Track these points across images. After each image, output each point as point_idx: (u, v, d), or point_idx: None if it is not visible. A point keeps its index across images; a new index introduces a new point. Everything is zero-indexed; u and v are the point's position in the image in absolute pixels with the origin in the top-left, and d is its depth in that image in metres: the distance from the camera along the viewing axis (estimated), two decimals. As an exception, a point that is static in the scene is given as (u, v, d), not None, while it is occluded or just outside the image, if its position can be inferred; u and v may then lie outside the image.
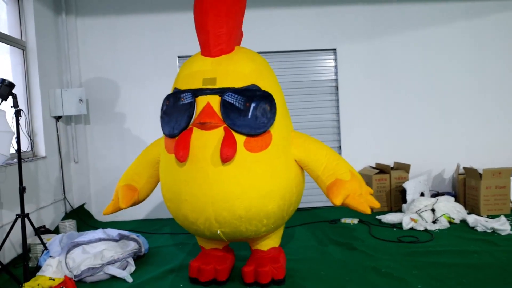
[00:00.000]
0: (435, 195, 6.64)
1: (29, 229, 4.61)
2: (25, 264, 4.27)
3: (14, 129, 4.32)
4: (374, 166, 7.15)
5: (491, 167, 6.23)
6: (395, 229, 5.72)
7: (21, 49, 5.89)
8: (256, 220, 3.63)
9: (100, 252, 4.48)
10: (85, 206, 6.96)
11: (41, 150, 6.09)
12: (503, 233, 5.23)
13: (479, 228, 5.43)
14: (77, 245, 4.54)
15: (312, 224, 6.16)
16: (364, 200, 3.86)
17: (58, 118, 6.50)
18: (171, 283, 4.20)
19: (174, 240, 5.69)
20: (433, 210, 5.89)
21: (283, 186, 3.74)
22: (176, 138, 3.63)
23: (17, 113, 4.42)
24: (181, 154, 3.50)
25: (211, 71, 3.74)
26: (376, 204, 3.98)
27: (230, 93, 3.59)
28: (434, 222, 5.75)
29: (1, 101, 4.29)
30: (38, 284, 3.94)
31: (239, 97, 3.59)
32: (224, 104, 3.57)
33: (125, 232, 4.93)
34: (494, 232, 5.31)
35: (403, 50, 7.14)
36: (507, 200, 6.17)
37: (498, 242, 4.94)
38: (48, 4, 6.46)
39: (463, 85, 7.19)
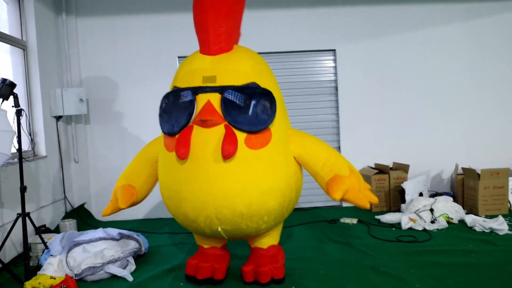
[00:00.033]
0: (433, 195, 6.66)
1: (29, 228, 4.63)
2: (26, 263, 4.31)
3: (15, 128, 4.34)
4: (373, 166, 7.18)
5: (489, 168, 6.25)
6: (394, 229, 5.75)
7: (22, 49, 5.91)
8: (257, 217, 3.64)
9: (100, 251, 4.49)
10: (85, 206, 6.98)
11: (42, 150, 6.11)
12: (501, 233, 5.25)
13: (477, 228, 5.46)
14: (77, 244, 4.56)
15: (311, 224, 6.19)
16: (362, 195, 3.90)
17: (58, 118, 6.52)
18: (171, 282, 4.21)
19: (174, 239, 5.71)
20: (431, 210, 5.91)
21: (283, 182, 3.76)
22: (176, 136, 3.64)
23: (18, 113, 4.44)
24: (182, 151, 3.51)
25: (210, 69, 3.76)
26: (375, 199, 4.01)
27: (231, 91, 3.62)
28: (432, 222, 5.77)
29: (2, 101, 4.32)
30: (40, 283, 3.97)
31: (239, 94, 3.61)
32: (225, 102, 3.59)
33: (126, 232, 4.94)
34: (492, 232, 5.33)
35: (402, 51, 7.17)
36: (505, 200, 6.20)
37: (496, 241, 4.97)
38: (49, 4, 6.48)
39: (462, 86, 7.21)
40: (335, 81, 7.21)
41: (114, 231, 4.89)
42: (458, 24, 7.17)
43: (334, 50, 7.18)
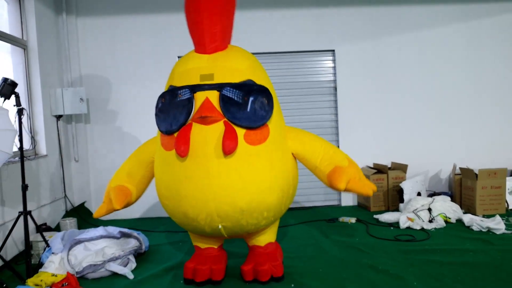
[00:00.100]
0: (431, 194, 6.69)
1: (30, 226, 4.65)
2: (28, 261, 4.33)
3: (16, 127, 4.37)
4: (372, 166, 7.21)
5: (487, 168, 6.29)
6: (392, 228, 5.78)
7: (22, 48, 5.94)
8: (257, 212, 3.67)
9: (101, 249, 4.53)
10: (85, 205, 7.02)
11: (42, 149, 6.14)
12: (498, 232, 5.28)
13: (475, 228, 5.49)
14: (78, 242, 4.59)
15: (310, 223, 6.22)
16: (364, 184, 3.94)
17: (58, 117, 6.56)
18: (171, 280, 4.24)
19: (173, 238, 5.75)
20: (429, 210, 5.93)
21: (282, 178, 3.80)
22: (175, 134, 3.65)
23: (20, 112, 4.47)
24: (182, 149, 3.51)
25: (207, 67, 3.78)
26: (374, 188, 4.03)
27: (229, 88, 3.64)
28: (430, 221, 5.80)
29: (4, 100, 4.34)
30: (41, 280, 4.00)
31: (237, 91, 3.64)
32: (223, 99, 3.62)
33: (126, 230, 4.97)
34: (489, 231, 5.37)
35: (401, 51, 7.21)
36: (502, 200, 6.23)
37: (493, 241, 5.00)
38: (49, 4, 6.51)
39: (460, 86, 7.25)
40: (334, 81, 7.25)
41: (114, 230, 4.91)
42: (456, 25, 7.21)
43: (333, 50, 7.22)
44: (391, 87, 7.22)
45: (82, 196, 7.03)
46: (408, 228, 5.69)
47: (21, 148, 4.48)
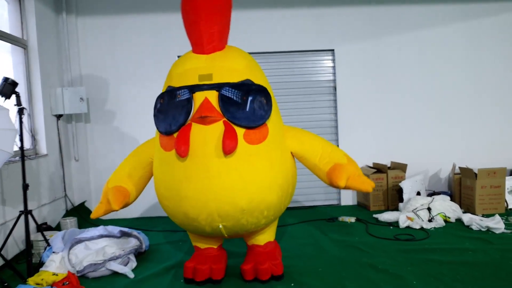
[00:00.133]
0: (431, 194, 6.72)
1: (31, 225, 4.66)
2: (29, 260, 4.34)
3: (17, 127, 4.38)
4: (371, 165, 7.22)
5: (486, 167, 6.30)
6: (391, 227, 5.80)
7: (23, 48, 5.94)
8: (257, 211, 3.68)
9: (102, 248, 4.54)
10: (85, 204, 7.03)
11: (43, 148, 6.15)
12: (497, 232, 5.30)
13: (474, 227, 5.51)
14: (79, 241, 4.60)
15: (310, 222, 6.24)
16: (362, 180, 3.95)
17: (59, 117, 6.57)
18: (171, 280, 4.25)
19: (173, 237, 5.76)
20: (429, 209, 5.95)
21: (281, 177, 3.81)
22: (175, 134, 3.65)
23: (20, 111, 4.48)
24: (183, 149, 3.51)
25: (206, 68, 3.79)
26: (373, 184, 4.03)
27: (228, 88, 3.66)
28: (430, 220, 5.82)
29: (5, 100, 4.35)
30: (42, 279, 4.01)
31: (236, 91, 3.65)
32: (223, 99, 3.63)
33: (126, 229, 4.98)
34: (488, 230, 5.38)
35: (401, 51, 7.22)
36: (501, 199, 6.25)
37: (492, 240, 5.02)
38: (49, 4, 6.52)
39: (460, 86, 7.27)
40: (334, 81, 7.26)
41: (115, 229, 4.92)
42: (456, 25, 7.22)
43: (333, 50, 7.23)
44: (390, 87, 7.23)
45: (82, 196, 7.04)
46: (408, 227, 5.70)
47: (21, 147, 4.49)
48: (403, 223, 5.73)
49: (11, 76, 5.71)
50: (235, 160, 3.54)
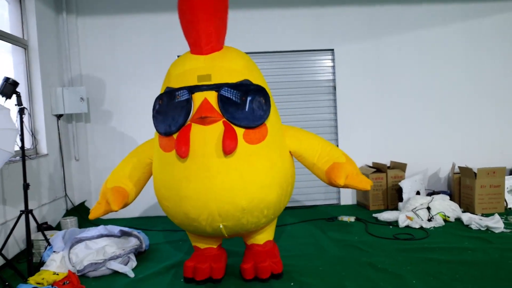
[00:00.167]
0: (430, 193, 6.73)
1: (32, 225, 4.67)
2: (29, 259, 4.36)
3: (18, 126, 4.38)
4: (371, 165, 7.23)
5: (486, 167, 6.32)
6: (391, 227, 5.81)
7: (23, 48, 5.96)
8: (258, 211, 3.69)
9: (102, 248, 4.56)
10: (86, 204, 7.04)
11: (43, 148, 6.16)
12: (497, 231, 5.31)
13: (473, 226, 5.52)
14: (79, 241, 4.62)
15: (309, 222, 6.25)
16: (361, 179, 3.97)
17: (59, 116, 6.58)
18: (172, 279, 4.27)
19: (173, 237, 5.77)
20: (428, 209, 5.96)
21: (280, 176, 3.83)
22: (174, 135, 3.66)
23: (21, 111, 4.49)
24: (183, 150, 3.52)
25: (204, 68, 3.79)
26: (371, 182, 4.06)
27: (227, 88, 3.67)
28: (429, 220, 5.83)
29: (6, 100, 4.37)
30: (43, 279, 4.02)
31: (235, 91, 3.67)
32: (222, 99, 3.64)
33: (126, 229, 5.00)
34: (488, 230, 5.40)
35: (400, 51, 7.23)
36: (501, 199, 6.26)
37: (491, 239, 5.03)
38: (49, 4, 6.53)
39: (459, 86, 7.28)
40: (333, 80, 7.27)
41: (115, 228, 4.93)
42: (455, 24, 7.23)
43: (332, 49, 7.24)
44: (390, 87, 7.24)
45: (82, 195, 7.06)
46: (407, 226, 5.71)
47: (22, 147, 4.50)
48: (402, 223, 5.75)
49: (12, 76, 5.72)
50: (235, 160, 3.55)
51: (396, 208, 6.58)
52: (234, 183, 3.55)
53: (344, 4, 7.14)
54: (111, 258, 4.49)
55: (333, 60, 7.26)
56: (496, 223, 5.39)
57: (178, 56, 6.83)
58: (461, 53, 7.27)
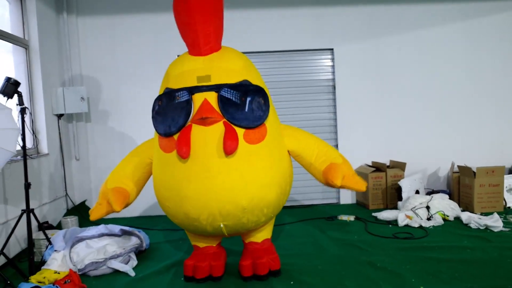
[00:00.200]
0: (430, 193, 6.76)
1: (32, 224, 4.67)
2: (31, 258, 4.38)
3: (19, 126, 4.40)
4: (370, 164, 7.25)
5: (485, 166, 6.34)
6: (390, 226, 5.83)
7: (24, 48, 5.97)
8: (258, 210, 3.71)
9: (103, 246, 4.57)
10: (86, 203, 7.06)
11: (44, 148, 6.18)
12: (496, 230, 5.33)
13: (473, 225, 5.54)
14: (80, 240, 4.64)
15: (309, 221, 6.27)
16: (357, 180, 4.02)
17: (60, 116, 6.60)
18: (172, 278, 4.29)
19: (173, 236, 5.79)
20: (427, 208, 5.98)
21: (279, 175, 3.86)
22: (175, 136, 3.67)
23: (23, 111, 4.51)
24: (184, 150, 3.54)
25: (203, 69, 3.81)
26: (366, 183, 4.11)
27: (226, 89, 3.70)
28: (428, 219, 5.85)
29: (7, 99, 4.39)
30: (44, 277, 4.03)
31: (234, 92, 3.69)
32: (222, 100, 3.66)
33: (127, 228, 5.02)
34: (487, 228, 5.42)
35: (400, 50, 7.25)
36: (500, 198, 6.28)
37: (490, 238, 5.05)
38: (50, 4, 6.55)
39: (459, 85, 7.30)
40: (333, 80, 7.29)
41: (115, 228, 4.95)
42: (454, 24, 7.25)
43: (332, 49, 7.26)
44: (389, 86, 7.26)
45: (82, 195, 7.08)
46: (407, 226, 5.73)
47: (24, 147, 4.53)
48: (402, 222, 5.76)
49: (13, 76, 5.74)
50: (236, 160, 3.58)
51: (395, 207, 6.60)
52: (235, 183, 3.57)
53: (344, 4, 7.15)
54: (112, 257, 4.50)
55: (332, 59, 7.27)
56: (495, 222, 5.41)
57: (178, 56, 6.91)
58: (460, 53, 7.28)
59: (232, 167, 3.57)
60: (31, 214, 4.57)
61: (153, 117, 3.88)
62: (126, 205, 4.05)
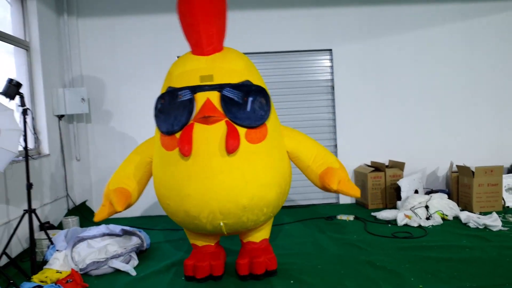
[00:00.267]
0: (429, 192, 6.78)
1: (34, 224, 4.68)
2: (33, 258, 4.41)
3: (21, 127, 4.42)
4: (369, 164, 7.28)
5: (483, 165, 6.37)
6: (389, 225, 5.85)
7: (25, 49, 6.00)
8: (257, 209, 3.74)
9: (104, 246, 4.60)
10: (87, 203, 7.09)
11: (45, 148, 6.21)
12: (495, 229, 5.35)
13: (471, 224, 5.56)
14: (82, 239, 4.66)
15: (309, 221, 6.29)
16: (352, 185, 4.05)
17: (60, 117, 6.63)
18: (173, 277, 4.32)
19: (174, 236, 5.81)
20: (426, 207, 6.00)
21: (279, 175, 3.89)
22: (177, 134, 3.70)
23: (24, 112, 4.53)
24: (186, 148, 3.56)
25: (206, 69, 3.84)
26: (359, 190, 4.12)
27: (229, 88, 3.73)
28: (427, 218, 5.87)
29: (9, 101, 4.41)
30: (46, 277, 4.06)
31: (237, 92, 3.73)
32: (224, 99, 3.70)
33: (128, 228, 5.04)
34: (486, 228, 5.44)
35: (398, 51, 7.28)
36: (498, 197, 6.30)
37: (489, 237, 5.07)
38: (51, 5, 6.58)
39: (457, 85, 7.32)
40: (332, 80, 7.31)
41: (116, 228, 4.97)
42: (453, 24, 7.27)
43: (331, 50, 7.29)
44: (388, 86, 7.29)
45: (83, 195, 7.11)
46: (406, 225, 5.75)
47: (25, 147, 4.55)
48: (401, 221, 5.79)
49: (14, 77, 5.77)
50: (237, 159, 3.60)
51: (394, 207, 6.63)
52: (236, 182, 3.60)
53: (342, 5, 7.18)
54: (113, 257, 4.53)
55: (331, 60, 7.30)
56: (494, 221, 5.44)
57: (177, 57, 6.90)
58: (459, 53, 7.31)
59: (233, 166, 3.60)
60: (33, 214, 4.59)
61: (155, 115, 3.90)
62: (129, 205, 4.08)
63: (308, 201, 7.36)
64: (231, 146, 3.54)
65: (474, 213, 6.05)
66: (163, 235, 5.89)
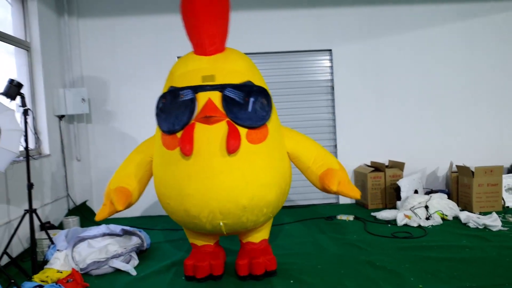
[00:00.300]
0: (428, 192, 6.79)
1: (35, 224, 4.70)
2: (33, 258, 4.42)
3: (22, 127, 4.43)
4: (369, 164, 7.28)
5: (483, 165, 6.38)
6: (389, 225, 5.85)
7: (26, 50, 6.01)
8: (257, 209, 3.74)
9: (104, 246, 4.61)
10: (87, 203, 7.10)
11: (45, 148, 6.22)
12: (494, 229, 5.36)
13: (471, 225, 5.57)
14: (82, 239, 4.67)
15: (308, 221, 6.30)
16: (352, 187, 4.06)
17: (61, 117, 6.64)
18: (173, 277, 4.33)
19: (174, 236, 5.82)
20: (426, 207, 6.01)
21: (280, 175, 3.90)
22: (178, 133, 3.70)
23: (25, 112, 4.55)
24: (188, 148, 3.56)
25: (208, 69, 3.85)
26: (360, 192, 4.14)
27: (230, 89, 3.74)
28: (427, 218, 5.88)
29: (10, 101, 4.42)
30: (47, 276, 4.07)
31: (238, 92, 3.74)
32: (226, 99, 3.71)
33: (128, 228, 5.04)
34: (485, 228, 5.45)
35: (398, 51, 7.29)
36: (498, 197, 6.31)
37: (489, 237, 5.08)
38: (51, 6, 6.59)
39: (457, 85, 7.33)
40: (331, 80, 7.32)
41: (117, 227, 4.97)
42: (452, 24, 7.28)
43: (330, 50, 7.30)
44: (387, 86, 7.30)
45: (84, 195, 7.12)
46: (405, 225, 5.76)
47: (26, 148, 4.56)
48: (400, 221, 5.79)
49: (15, 77, 5.78)
50: (238, 159, 3.61)
51: (394, 207, 6.63)
52: (236, 182, 3.60)
53: (342, 5, 7.19)
54: (114, 257, 4.54)
55: (331, 60, 7.31)
56: (494, 222, 5.44)
57: (178, 57, 6.94)
58: (459, 53, 7.32)
59: (234, 166, 3.61)
60: (34, 214, 4.60)
61: (157, 114, 3.91)
62: (129, 204, 4.07)
63: (308, 201, 7.37)
64: (232, 146, 3.55)
65: (474, 213, 6.06)
66: (163, 235, 5.90)
